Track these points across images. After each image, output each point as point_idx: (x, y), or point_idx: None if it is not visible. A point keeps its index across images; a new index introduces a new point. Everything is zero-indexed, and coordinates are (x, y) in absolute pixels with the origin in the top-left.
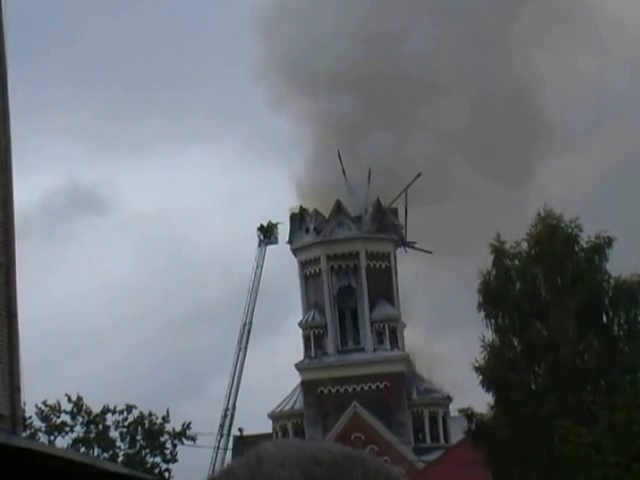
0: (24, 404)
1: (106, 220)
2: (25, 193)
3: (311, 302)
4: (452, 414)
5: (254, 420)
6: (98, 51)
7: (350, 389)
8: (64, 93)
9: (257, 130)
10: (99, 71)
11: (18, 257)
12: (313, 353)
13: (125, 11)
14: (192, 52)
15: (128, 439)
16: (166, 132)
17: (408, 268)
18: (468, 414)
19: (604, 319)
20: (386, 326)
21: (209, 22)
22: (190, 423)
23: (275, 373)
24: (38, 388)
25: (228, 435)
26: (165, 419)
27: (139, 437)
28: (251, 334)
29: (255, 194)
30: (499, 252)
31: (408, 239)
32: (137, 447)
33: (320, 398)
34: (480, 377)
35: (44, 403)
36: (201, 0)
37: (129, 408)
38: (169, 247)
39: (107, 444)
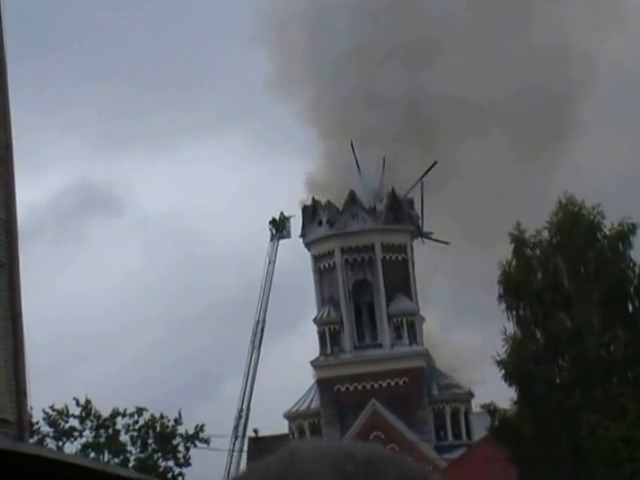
0: (31, 409)
1: (117, 218)
2: (36, 192)
3: (326, 297)
4: (474, 410)
5: (269, 421)
6: (109, 47)
7: (368, 386)
8: (74, 90)
9: (268, 124)
10: (110, 67)
11: (22, 256)
12: (329, 350)
13: (135, 6)
14: (203, 47)
15: (139, 443)
16: (176, 128)
17: (425, 260)
18: (491, 410)
19: (630, 308)
20: (404, 320)
21: (220, 16)
22: (203, 425)
23: (290, 371)
24: (45, 392)
25: (243, 437)
26: (177, 421)
27: (150, 441)
28: (265, 332)
29: (268, 189)
30: (519, 241)
31: (425, 230)
32: (149, 451)
33: (337, 396)
34: (502, 371)
35: (51, 407)
36: None
37: (139, 411)
38: (181, 245)
39: (117, 448)
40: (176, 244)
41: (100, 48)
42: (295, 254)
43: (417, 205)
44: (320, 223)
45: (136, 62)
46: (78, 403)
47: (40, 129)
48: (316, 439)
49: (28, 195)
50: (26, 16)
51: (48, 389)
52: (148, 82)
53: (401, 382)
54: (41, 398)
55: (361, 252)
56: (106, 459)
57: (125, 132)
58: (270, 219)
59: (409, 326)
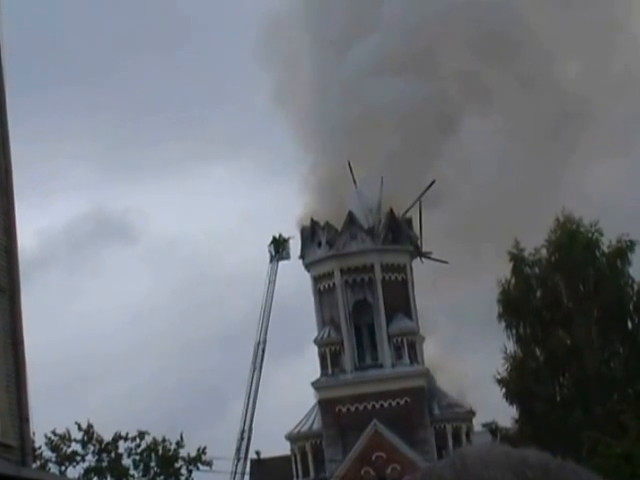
0: (33, 434)
1: (124, 244)
2: (49, 219)
3: (326, 318)
4: (476, 429)
5: (271, 442)
6: (120, 78)
7: (369, 407)
8: (88, 119)
9: (269, 149)
10: (123, 98)
11: (32, 283)
12: (330, 371)
13: (141, 35)
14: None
15: (142, 466)
16: (184, 156)
17: (425, 279)
18: (492, 428)
19: (629, 325)
20: (404, 340)
21: (226, 43)
22: (205, 448)
23: (292, 393)
24: (47, 417)
25: (245, 459)
26: (179, 444)
27: (153, 464)
28: (266, 353)
29: (270, 212)
30: (518, 260)
31: (424, 249)
32: (151, 474)
33: (339, 417)
34: (503, 390)
35: (53, 432)
36: (217, 22)
37: (141, 434)
38: (185, 270)
39: (120, 472)
40: (181, 269)
41: (112, 79)
42: (295, 275)
43: (416, 224)
44: (319, 244)
45: (147, 93)
46: (80, 427)
47: (54, 157)
48: (483, 444)
49: (41, 222)
50: (40, 48)
51: (50, 414)
52: (159, 111)
53: (402, 402)
54: (43, 423)
55: (360, 273)
56: None
57: (137, 160)
58: (270, 240)
59: (409, 346)
